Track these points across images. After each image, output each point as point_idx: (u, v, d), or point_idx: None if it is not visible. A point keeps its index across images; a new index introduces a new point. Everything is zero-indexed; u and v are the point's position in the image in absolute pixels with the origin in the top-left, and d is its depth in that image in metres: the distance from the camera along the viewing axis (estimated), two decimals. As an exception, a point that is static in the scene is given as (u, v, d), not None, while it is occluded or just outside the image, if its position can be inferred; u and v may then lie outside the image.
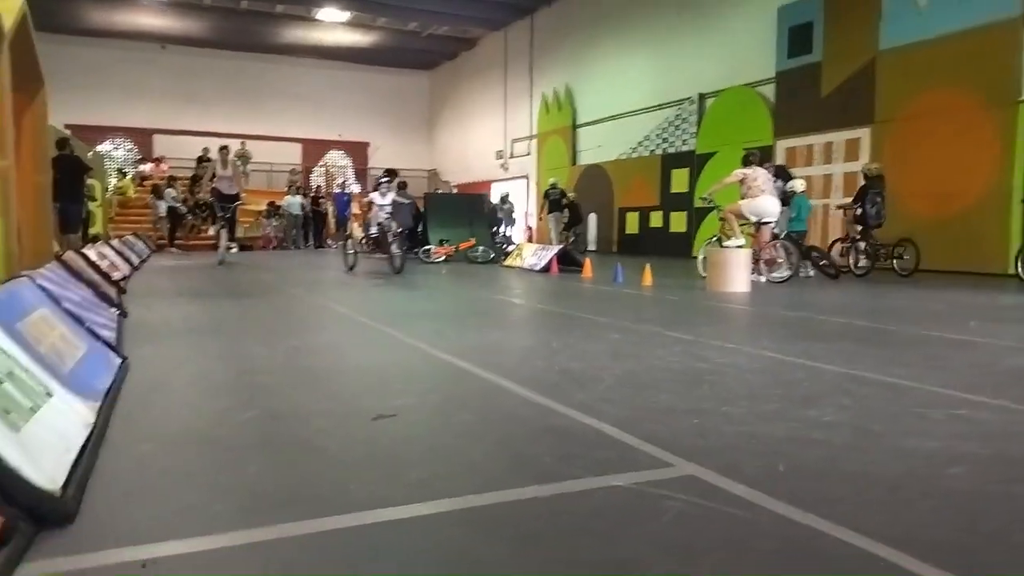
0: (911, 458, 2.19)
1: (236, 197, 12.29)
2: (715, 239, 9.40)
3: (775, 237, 9.32)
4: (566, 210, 16.91)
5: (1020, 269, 9.37)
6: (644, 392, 3.04)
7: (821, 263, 10.26)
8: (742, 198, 8.87)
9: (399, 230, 10.50)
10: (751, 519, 1.71)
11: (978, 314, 5.97)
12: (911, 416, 2.68)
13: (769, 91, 14.53)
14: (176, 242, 18.10)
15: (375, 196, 10.57)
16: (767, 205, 8.80)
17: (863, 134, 12.54)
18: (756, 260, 8.84)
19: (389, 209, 10.47)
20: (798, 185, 10.58)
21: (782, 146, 14.13)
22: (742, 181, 8.88)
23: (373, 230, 10.56)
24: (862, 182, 10.51)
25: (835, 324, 5.43)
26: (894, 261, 10.32)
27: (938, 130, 11.23)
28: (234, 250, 12.53)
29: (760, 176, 8.89)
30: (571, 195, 17.30)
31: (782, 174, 11.01)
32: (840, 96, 12.92)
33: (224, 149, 12.14)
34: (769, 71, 14.40)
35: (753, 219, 8.87)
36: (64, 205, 10.15)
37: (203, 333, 4.72)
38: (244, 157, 24.61)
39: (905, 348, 4.29)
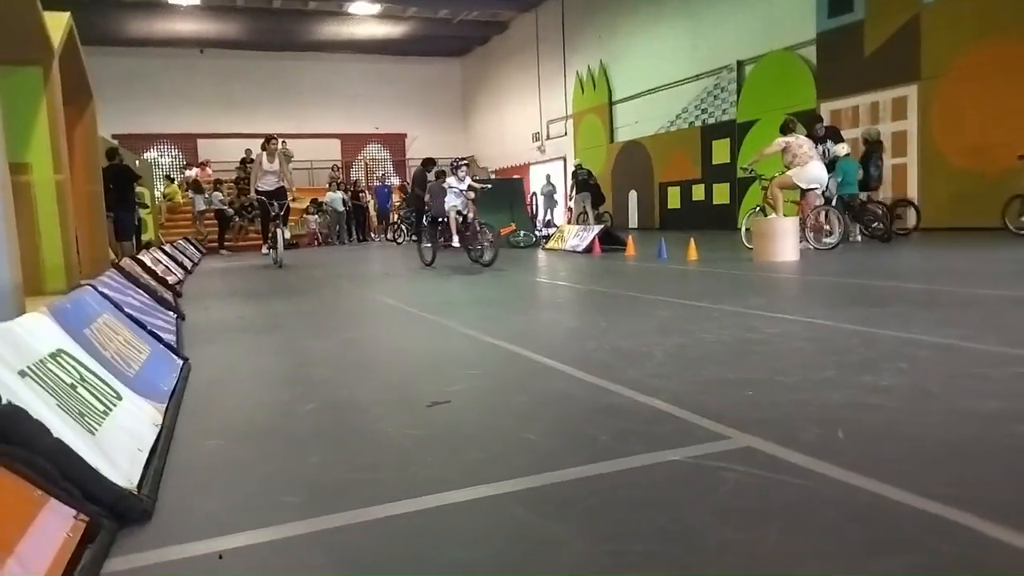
0: (972, 418, 2.14)
1: (283, 193, 10.96)
2: (758, 209, 9.25)
3: (827, 202, 9.14)
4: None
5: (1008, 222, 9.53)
6: (696, 366, 3.03)
7: (873, 225, 10.02)
8: (787, 167, 8.70)
9: (474, 218, 9.42)
10: (812, 487, 1.70)
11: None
12: (970, 376, 2.62)
13: (810, 53, 14.15)
14: (226, 244, 18.51)
15: (451, 180, 9.44)
16: (817, 171, 8.70)
17: (910, 92, 12.15)
18: (803, 228, 8.66)
19: (468, 194, 9.41)
20: (840, 149, 10.34)
21: (826, 108, 13.76)
22: (785, 150, 8.73)
23: (452, 213, 9.36)
24: (862, 148, 10.62)
25: (887, 288, 5.31)
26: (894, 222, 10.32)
27: (989, 82, 10.81)
28: (269, 251, 11.19)
29: (805, 143, 8.78)
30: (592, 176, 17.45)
31: (833, 136, 10.70)
32: (884, 54, 12.52)
33: (272, 140, 10.80)
34: (809, 33, 14.02)
35: (804, 186, 8.70)
36: (117, 214, 10.47)
37: (258, 331, 4.84)
38: (286, 156, 25.05)
39: (961, 309, 4.18)
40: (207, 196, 19.11)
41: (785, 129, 9.03)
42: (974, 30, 11.05)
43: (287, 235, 11.06)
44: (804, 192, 8.83)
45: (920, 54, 11.91)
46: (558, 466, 1.92)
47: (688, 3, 17.39)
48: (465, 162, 9.71)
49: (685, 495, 1.69)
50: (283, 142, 25.18)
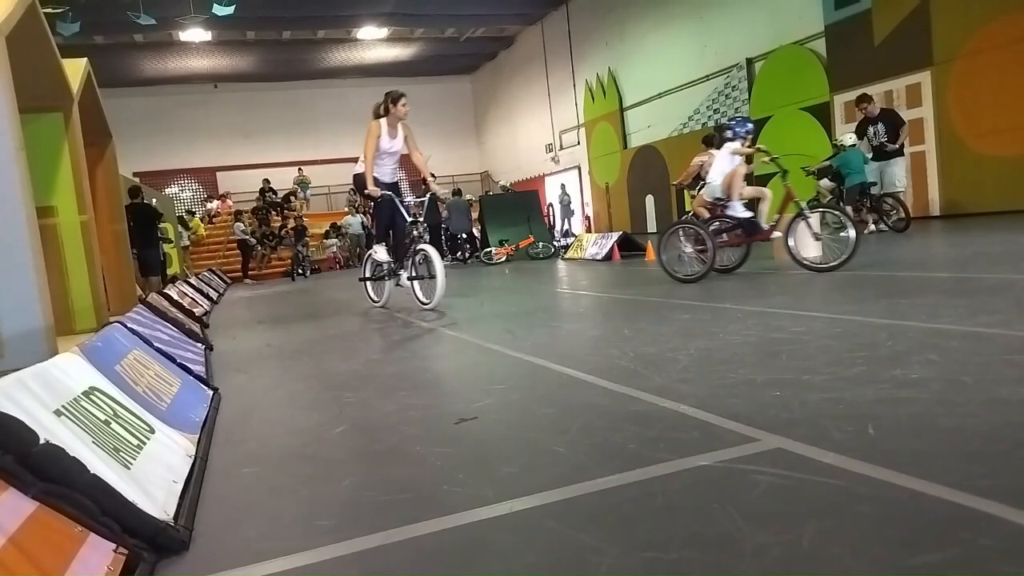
0: (1007, 407, 2.11)
1: (397, 187, 7.01)
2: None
3: (864, 194, 9.33)
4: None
5: None
6: (721, 369, 3.01)
7: (892, 214, 9.92)
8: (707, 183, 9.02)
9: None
10: (845, 486, 1.68)
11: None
12: (1003, 364, 2.58)
13: (820, 46, 14.08)
14: (249, 273, 18.73)
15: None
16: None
17: (923, 78, 12.03)
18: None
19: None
20: (847, 139, 10.25)
21: (840, 100, 13.66)
22: (702, 165, 9.54)
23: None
24: (905, 131, 10.26)
25: (911, 278, 5.25)
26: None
27: (1005, 62, 10.67)
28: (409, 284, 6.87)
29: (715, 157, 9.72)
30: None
31: (890, 119, 10.14)
32: (895, 42, 12.42)
33: (398, 100, 6.83)
34: (817, 25, 13.96)
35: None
36: (141, 251, 10.66)
37: (286, 357, 4.89)
38: (304, 183, 25.35)
39: (989, 295, 4.11)
40: (238, 233, 19.30)
41: (706, 142, 10.22)
42: (984, 11, 10.93)
43: (434, 261, 6.31)
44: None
45: (931, 39, 11.79)
46: (588, 477, 1.92)
47: (694, 4, 17.39)
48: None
49: (717, 500, 1.69)
50: (299, 169, 25.58)
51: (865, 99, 10.46)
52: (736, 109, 16.43)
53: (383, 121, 6.84)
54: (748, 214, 6.83)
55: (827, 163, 10.43)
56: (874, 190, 9.79)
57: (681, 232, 6.88)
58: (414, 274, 6.79)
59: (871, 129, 10.04)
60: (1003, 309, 3.60)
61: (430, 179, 7.05)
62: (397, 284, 7.08)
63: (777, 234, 6.65)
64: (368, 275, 7.60)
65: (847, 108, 13.49)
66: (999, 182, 10.68)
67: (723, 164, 6.96)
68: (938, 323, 3.43)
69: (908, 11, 12.11)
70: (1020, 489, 1.56)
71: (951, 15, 11.45)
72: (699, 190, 9.31)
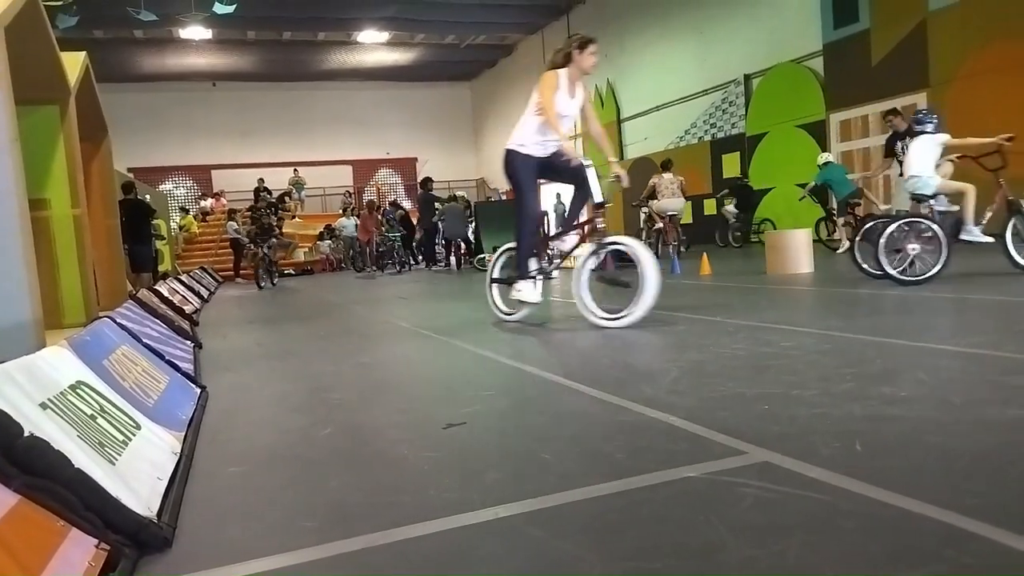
0: (994, 427, 2.12)
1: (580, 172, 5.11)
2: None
3: (850, 207, 10.13)
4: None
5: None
6: (711, 382, 3.01)
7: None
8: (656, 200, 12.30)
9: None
10: (830, 501, 1.68)
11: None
12: (991, 385, 2.59)
13: (817, 64, 14.19)
14: (241, 272, 18.67)
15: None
16: (669, 204, 12.20)
17: (920, 99, 12.12)
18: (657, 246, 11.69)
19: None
20: (821, 158, 10.97)
21: (836, 119, 13.77)
22: (656, 185, 12.41)
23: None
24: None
25: (902, 296, 5.27)
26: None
27: (999, 85, 10.77)
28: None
29: (666, 180, 12.40)
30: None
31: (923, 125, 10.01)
32: (892, 62, 12.53)
33: (587, 43, 5.19)
34: (816, 44, 14.07)
35: (661, 214, 12.15)
36: (132, 247, 10.61)
37: (275, 357, 4.87)
38: (298, 184, 25.32)
39: (979, 315, 4.14)
40: (231, 232, 19.16)
41: (663, 167, 12.66)
42: (981, 34, 11.04)
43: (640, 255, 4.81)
44: (669, 218, 12.01)
45: (928, 61, 11.89)
46: (575, 485, 1.92)
47: (694, 19, 17.50)
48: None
49: (703, 511, 1.68)
50: (295, 170, 25.55)
51: (894, 112, 9.99)
52: (733, 125, 16.52)
53: (563, 73, 5.13)
54: (954, 208, 6.31)
55: (814, 184, 10.82)
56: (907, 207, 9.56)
57: (906, 228, 6.10)
58: (598, 270, 5.14)
59: (899, 144, 9.77)
60: (992, 330, 3.62)
61: (613, 160, 5.43)
62: (544, 275, 5.42)
63: (986, 239, 6.15)
64: (499, 276, 5.81)
65: (842, 126, 13.60)
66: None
67: (928, 156, 6.34)
68: (928, 342, 3.44)
69: (906, 32, 12.23)
70: (1005, 509, 1.56)
71: (948, 37, 11.56)
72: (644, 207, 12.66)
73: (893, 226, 6.05)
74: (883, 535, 1.50)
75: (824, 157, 11.02)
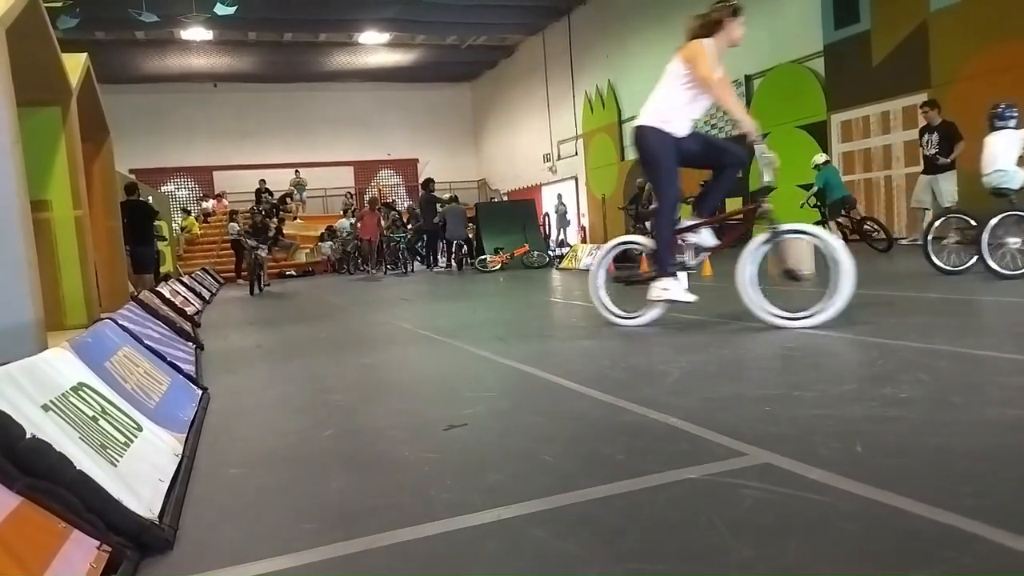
0: (994, 428, 2.12)
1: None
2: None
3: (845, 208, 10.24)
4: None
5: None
6: (712, 383, 3.02)
7: (874, 235, 10.13)
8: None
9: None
10: (831, 502, 1.69)
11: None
12: (991, 386, 2.59)
13: (818, 65, 14.18)
14: (243, 273, 18.67)
15: None
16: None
17: (920, 100, 12.12)
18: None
19: None
20: (818, 158, 11.07)
21: (837, 120, 13.76)
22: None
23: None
24: (960, 148, 9.58)
25: (902, 297, 5.27)
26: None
27: (999, 88, 10.75)
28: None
29: None
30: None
31: (949, 132, 9.59)
32: (893, 63, 12.52)
33: (736, 10, 4.70)
34: (817, 45, 14.06)
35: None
36: (134, 248, 10.61)
37: (276, 358, 4.88)
38: (300, 185, 25.34)
39: (978, 317, 4.14)
40: (232, 233, 19.11)
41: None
42: (981, 35, 11.04)
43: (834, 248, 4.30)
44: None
45: (929, 61, 11.89)
46: (576, 486, 1.92)
47: (694, 20, 17.49)
48: None
49: (704, 513, 1.69)
50: (296, 171, 25.56)
51: (931, 104, 9.86)
52: (734, 125, 16.52)
53: (710, 43, 4.56)
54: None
55: (817, 187, 10.89)
56: (931, 206, 9.34)
57: (1011, 222, 6.01)
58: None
59: (926, 137, 9.57)
60: (993, 331, 3.62)
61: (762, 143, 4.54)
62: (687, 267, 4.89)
63: None
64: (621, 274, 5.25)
65: (843, 127, 13.59)
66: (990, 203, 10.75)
67: (1013, 151, 6.38)
68: (928, 343, 3.44)
69: (907, 33, 12.22)
70: (1004, 509, 1.56)
71: (949, 38, 11.55)
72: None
73: (995, 220, 5.94)
74: (883, 536, 1.50)
75: (822, 157, 11.15)
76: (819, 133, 14.12)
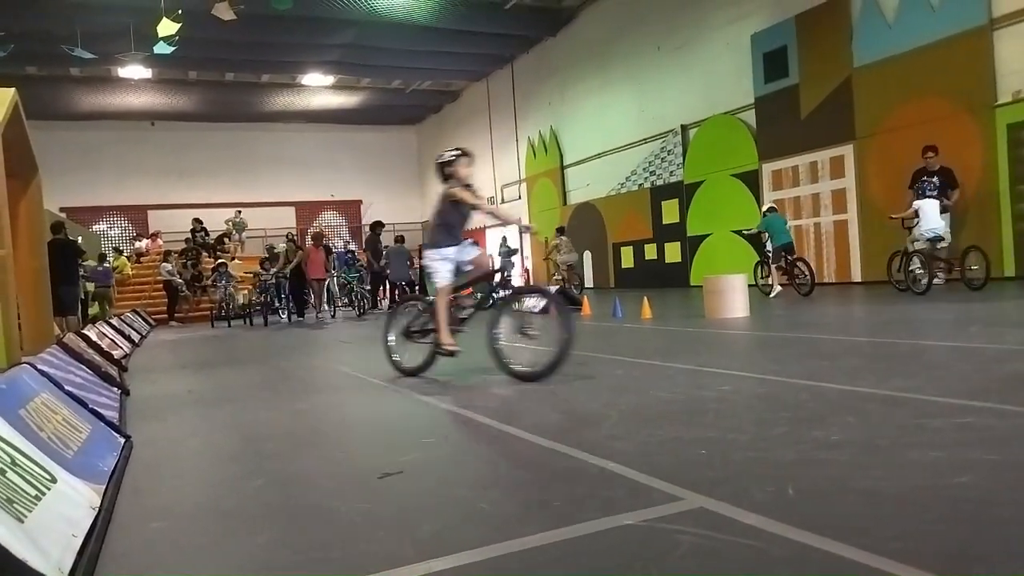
0: (917, 470, 2.18)
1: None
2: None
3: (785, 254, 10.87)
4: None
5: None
6: (650, 426, 3.03)
7: (799, 279, 10.53)
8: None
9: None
10: (763, 548, 1.69)
11: (979, 320, 5.97)
12: (915, 428, 2.67)
13: (750, 116, 14.74)
14: (176, 316, 18.12)
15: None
16: (564, 257, 15.97)
17: (846, 151, 12.69)
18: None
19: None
20: (765, 206, 11.97)
21: (768, 169, 14.27)
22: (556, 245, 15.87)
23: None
24: (957, 194, 10.07)
25: (833, 341, 5.43)
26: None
27: (919, 140, 11.35)
28: None
29: (563, 242, 16.11)
30: None
31: (947, 178, 9.90)
32: (820, 116, 13.11)
33: None
34: (748, 97, 14.63)
35: (562, 265, 15.93)
36: (59, 287, 10.20)
37: (207, 404, 4.71)
38: (239, 225, 24.86)
39: (905, 360, 4.28)
40: (164, 274, 18.40)
41: (559, 232, 16.57)
42: (901, 91, 11.65)
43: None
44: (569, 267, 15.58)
45: (854, 115, 12.48)
46: (513, 535, 1.89)
47: (633, 70, 18.03)
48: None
49: (640, 561, 1.67)
50: (237, 211, 25.11)
51: (932, 149, 10.08)
52: (672, 172, 16.96)
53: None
54: None
55: (755, 231, 11.38)
56: (919, 245, 9.40)
57: None
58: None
59: (925, 180, 9.89)
60: (914, 374, 3.75)
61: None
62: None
63: None
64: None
65: (774, 176, 14.10)
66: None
67: (937, 211, 8.23)
68: (856, 386, 3.54)
69: (832, 88, 12.82)
70: (926, 552, 1.59)
71: (872, 93, 12.16)
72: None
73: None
74: (814, 582, 1.51)
75: (767, 205, 11.92)
76: (751, 181, 14.61)
